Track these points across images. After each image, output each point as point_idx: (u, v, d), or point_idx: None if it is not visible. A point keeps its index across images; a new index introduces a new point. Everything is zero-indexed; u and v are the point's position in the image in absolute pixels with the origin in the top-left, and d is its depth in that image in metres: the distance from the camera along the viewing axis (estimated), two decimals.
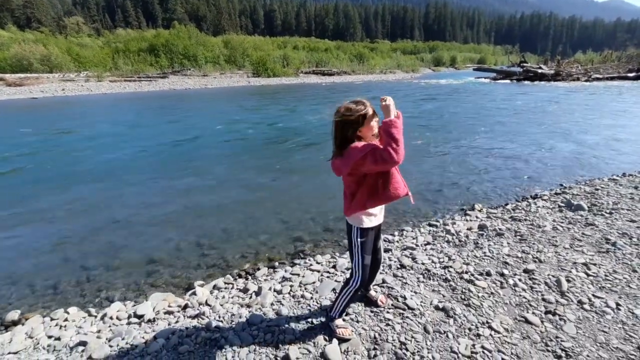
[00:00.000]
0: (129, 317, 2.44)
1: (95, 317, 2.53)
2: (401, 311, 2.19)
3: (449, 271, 2.65)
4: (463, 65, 78.15)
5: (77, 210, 4.68)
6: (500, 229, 3.44)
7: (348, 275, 1.94)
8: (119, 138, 9.60)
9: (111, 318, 2.45)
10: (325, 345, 1.90)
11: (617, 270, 2.56)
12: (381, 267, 2.67)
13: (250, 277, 3.01)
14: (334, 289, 2.48)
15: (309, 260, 3.18)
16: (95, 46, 44.68)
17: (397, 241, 3.42)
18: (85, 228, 4.12)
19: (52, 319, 2.52)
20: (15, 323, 2.54)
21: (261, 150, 7.94)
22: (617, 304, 2.18)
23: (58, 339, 2.23)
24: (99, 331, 2.29)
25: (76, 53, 35.76)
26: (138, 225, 4.19)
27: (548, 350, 1.84)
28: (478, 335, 1.96)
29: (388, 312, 2.17)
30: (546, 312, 2.14)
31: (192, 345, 2.00)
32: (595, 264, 2.66)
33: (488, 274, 2.59)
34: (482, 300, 2.27)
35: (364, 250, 1.81)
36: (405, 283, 2.52)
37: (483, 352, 1.84)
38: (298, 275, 2.81)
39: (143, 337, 2.11)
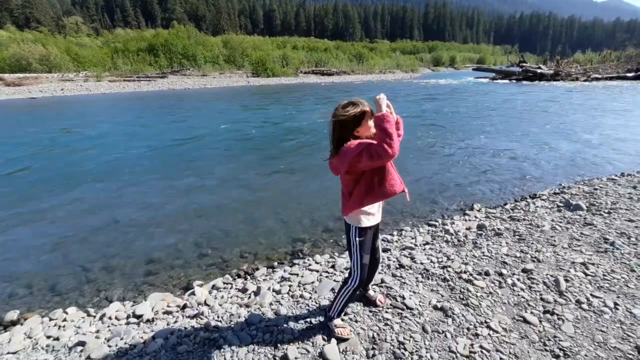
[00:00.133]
0: (128, 317, 2.44)
1: (94, 317, 2.53)
2: (400, 311, 2.19)
3: (447, 271, 2.65)
4: (462, 65, 78.23)
5: (77, 210, 4.68)
6: (499, 229, 3.44)
7: (347, 275, 1.94)
8: (120, 138, 9.60)
9: (110, 318, 2.45)
10: (323, 345, 1.90)
11: (615, 270, 2.57)
12: (380, 267, 2.68)
13: (249, 277, 3.01)
14: (332, 289, 2.48)
15: (308, 260, 3.18)
16: (94, 46, 44.65)
17: (396, 241, 3.43)
18: (85, 228, 4.12)
19: (50, 319, 2.52)
20: (14, 323, 2.54)
21: (261, 150, 7.93)
22: (615, 304, 2.18)
23: (57, 339, 2.22)
24: (97, 331, 2.29)
25: (75, 53, 35.73)
26: (137, 225, 4.18)
27: (546, 350, 1.84)
28: (476, 335, 1.96)
29: (387, 312, 2.17)
30: (544, 312, 2.14)
31: (191, 345, 2.00)
32: (593, 264, 2.66)
33: (487, 273, 2.59)
34: (480, 300, 2.27)
35: (362, 250, 1.81)
36: (404, 283, 2.53)
37: (481, 351, 1.84)
38: (297, 275, 2.81)
39: (142, 337, 2.11)
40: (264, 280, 2.85)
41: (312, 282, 2.64)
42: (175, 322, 2.28)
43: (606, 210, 3.72)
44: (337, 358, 1.82)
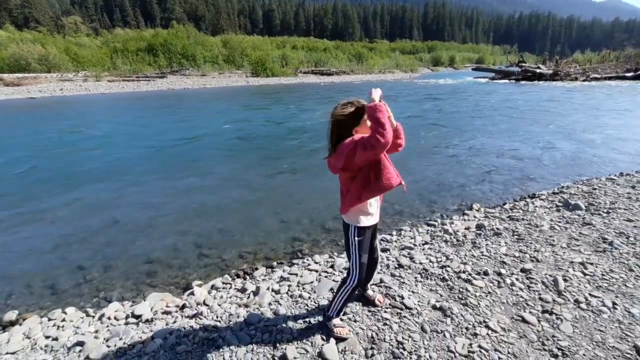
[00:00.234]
0: (127, 317, 2.44)
1: (93, 317, 2.53)
2: (399, 310, 2.19)
3: (446, 271, 2.66)
4: (462, 65, 78.19)
5: (77, 210, 4.67)
6: (498, 229, 3.45)
7: (345, 275, 1.95)
8: (120, 138, 9.59)
9: (109, 318, 2.45)
10: (322, 345, 1.90)
11: (613, 270, 2.57)
12: (379, 267, 2.68)
13: (248, 277, 3.01)
14: (331, 289, 2.48)
15: (307, 260, 3.18)
16: (94, 46, 44.55)
17: (395, 241, 3.43)
18: (85, 228, 4.12)
19: (49, 319, 2.51)
20: (12, 323, 2.53)
21: (261, 150, 7.93)
22: (614, 303, 2.18)
23: (55, 339, 2.22)
24: (96, 331, 2.29)
25: (74, 53, 35.65)
26: (137, 225, 4.18)
27: (545, 349, 1.85)
28: (475, 335, 1.96)
29: (385, 312, 2.18)
30: (543, 312, 2.15)
31: (190, 345, 2.00)
32: (592, 264, 2.67)
33: (485, 273, 2.59)
34: (479, 300, 2.28)
35: (361, 249, 1.82)
36: (403, 282, 2.53)
37: (480, 351, 1.85)
38: (296, 275, 2.81)
39: (141, 337, 2.11)
40: (263, 280, 2.85)
41: (311, 282, 2.64)
42: (174, 322, 2.28)
43: (605, 210, 3.72)
44: (336, 358, 1.82)
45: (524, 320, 2.07)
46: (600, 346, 1.86)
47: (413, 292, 2.40)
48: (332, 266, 2.93)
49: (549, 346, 1.86)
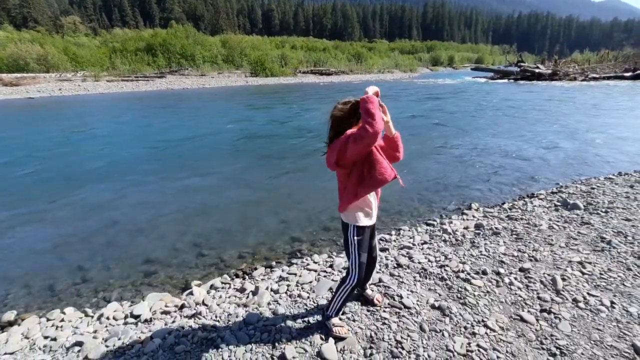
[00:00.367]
0: (126, 317, 2.44)
1: (92, 317, 2.53)
2: (397, 310, 2.19)
3: (445, 270, 2.66)
4: (461, 64, 78.28)
5: (77, 210, 4.67)
6: (496, 228, 3.45)
7: (345, 274, 1.95)
8: (120, 138, 9.58)
9: (108, 318, 2.45)
10: (321, 344, 1.91)
11: (612, 269, 2.58)
12: (378, 266, 2.69)
13: (247, 277, 3.01)
14: (330, 288, 2.48)
15: (306, 259, 3.18)
16: (92, 46, 44.49)
17: (394, 240, 3.43)
18: (84, 228, 4.11)
19: (48, 320, 2.51)
20: (11, 323, 2.53)
21: (261, 150, 7.93)
22: (612, 302, 2.19)
23: (54, 339, 2.22)
24: (95, 331, 2.29)
25: (73, 53, 35.60)
26: (136, 225, 4.18)
27: (543, 348, 1.85)
28: (474, 334, 1.97)
29: (384, 311, 2.18)
30: (541, 311, 2.15)
31: (189, 345, 2.00)
32: (590, 263, 2.67)
33: (484, 272, 2.60)
34: (478, 299, 2.28)
35: (360, 248, 1.82)
36: (402, 282, 2.53)
37: (478, 350, 1.85)
38: (295, 274, 2.82)
39: (139, 337, 2.11)
40: (262, 280, 2.85)
41: (310, 282, 2.64)
42: (173, 322, 2.28)
43: (603, 210, 3.73)
44: (335, 357, 1.83)
45: (522, 320, 2.07)
46: (599, 345, 1.86)
47: (412, 291, 2.41)
48: (331, 266, 2.93)
49: (548, 345, 1.87)
